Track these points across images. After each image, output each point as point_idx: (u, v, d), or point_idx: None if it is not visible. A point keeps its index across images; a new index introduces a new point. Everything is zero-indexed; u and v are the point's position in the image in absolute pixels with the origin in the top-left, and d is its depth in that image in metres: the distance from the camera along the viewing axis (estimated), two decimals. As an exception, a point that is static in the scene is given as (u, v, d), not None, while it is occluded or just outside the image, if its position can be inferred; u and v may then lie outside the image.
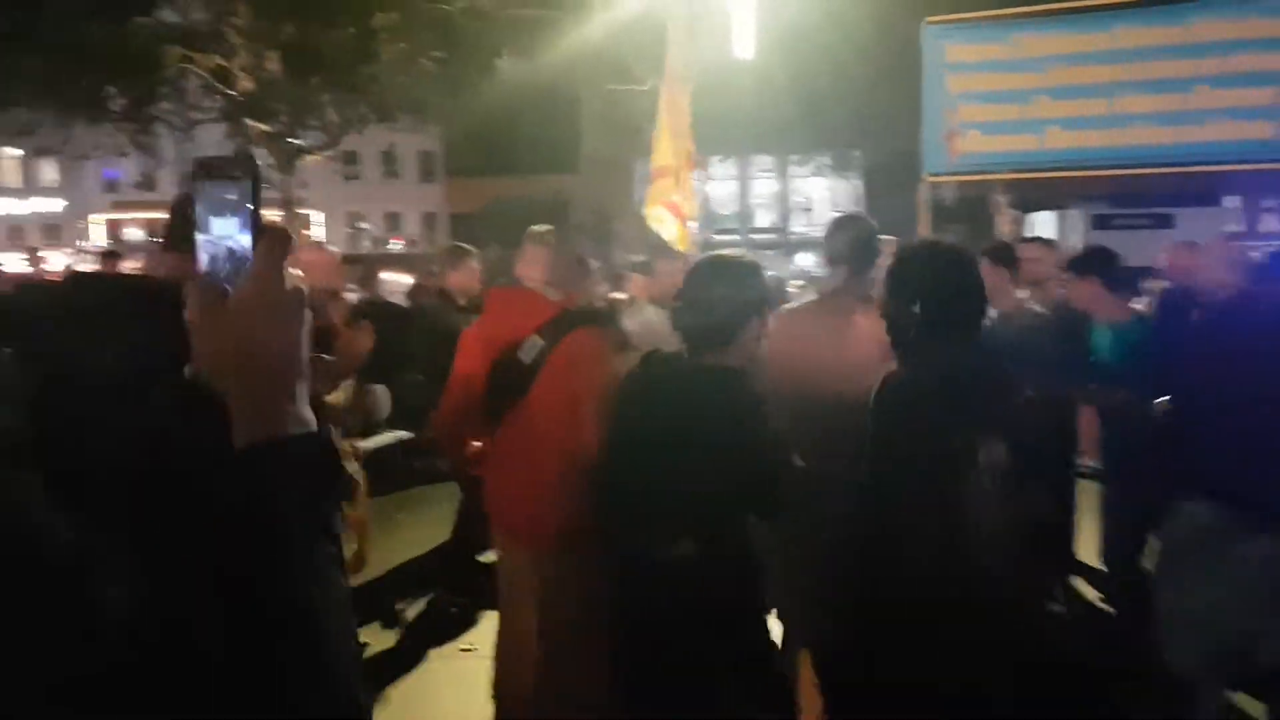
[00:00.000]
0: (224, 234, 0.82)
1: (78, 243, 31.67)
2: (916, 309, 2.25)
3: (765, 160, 40.24)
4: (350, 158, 35.18)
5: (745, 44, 15.63)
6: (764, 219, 41.59)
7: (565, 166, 33.34)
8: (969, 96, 8.47)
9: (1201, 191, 15.06)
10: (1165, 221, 14.44)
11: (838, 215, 3.69)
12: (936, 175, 8.94)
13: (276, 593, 0.79)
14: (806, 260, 35.93)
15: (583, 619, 2.76)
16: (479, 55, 18.51)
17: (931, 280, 2.28)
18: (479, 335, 3.25)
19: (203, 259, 0.82)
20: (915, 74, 8.82)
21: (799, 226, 41.40)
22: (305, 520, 0.81)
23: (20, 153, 36.32)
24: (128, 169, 22.87)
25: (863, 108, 21.22)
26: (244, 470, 0.80)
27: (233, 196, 0.82)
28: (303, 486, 0.80)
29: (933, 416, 2.19)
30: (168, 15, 17.93)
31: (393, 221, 41.51)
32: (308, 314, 0.84)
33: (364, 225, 41.28)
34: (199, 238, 0.82)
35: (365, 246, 39.34)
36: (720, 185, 40.97)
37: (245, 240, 0.82)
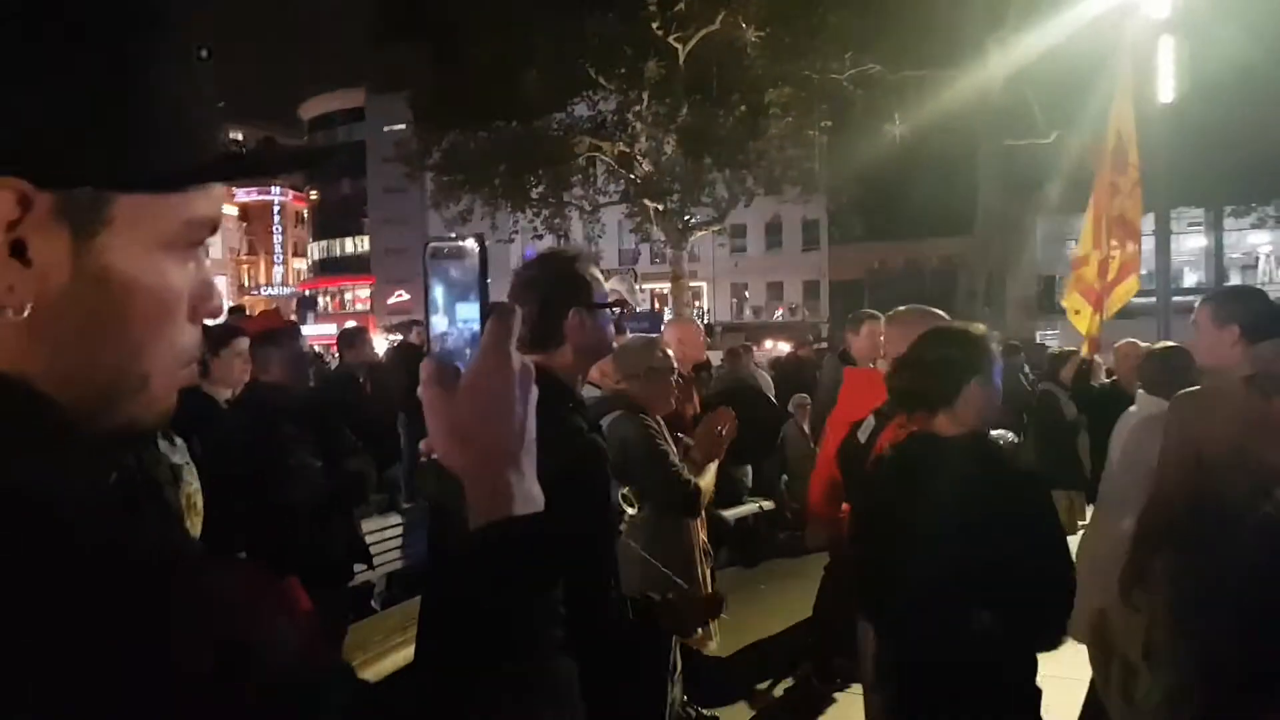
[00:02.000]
0: (455, 313, 0.84)
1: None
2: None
3: (1193, 213, 35.53)
4: (737, 230, 36.79)
5: (1166, 86, 13.98)
6: (1190, 278, 36.66)
7: (955, 229, 32.11)
8: None
9: None
10: None
11: None
12: None
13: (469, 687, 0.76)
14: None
15: None
16: (868, 122, 18.49)
17: None
18: (836, 415, 3.50)
19: (435, 338, 0.84)
20: None
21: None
22: (528, 608, 0.79)
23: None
24: (542, 250, 26.10)
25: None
26: (474, 555, 0.80)
27: (462, 275, 0.84)
28: (528, 570, 0.80)
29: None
30: (580, 110, 20.17)
31: (775, 291, 42.53)
32: (534, 390, 0.84)
33: (746, 295, 42.82)
34: (431, 317, 0.85)
35: (747, 316, 40.72)
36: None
37: (475, 318, 0.84)
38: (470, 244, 0.85)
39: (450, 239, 0.86)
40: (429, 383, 0.81)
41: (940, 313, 3.47)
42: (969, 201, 18.13)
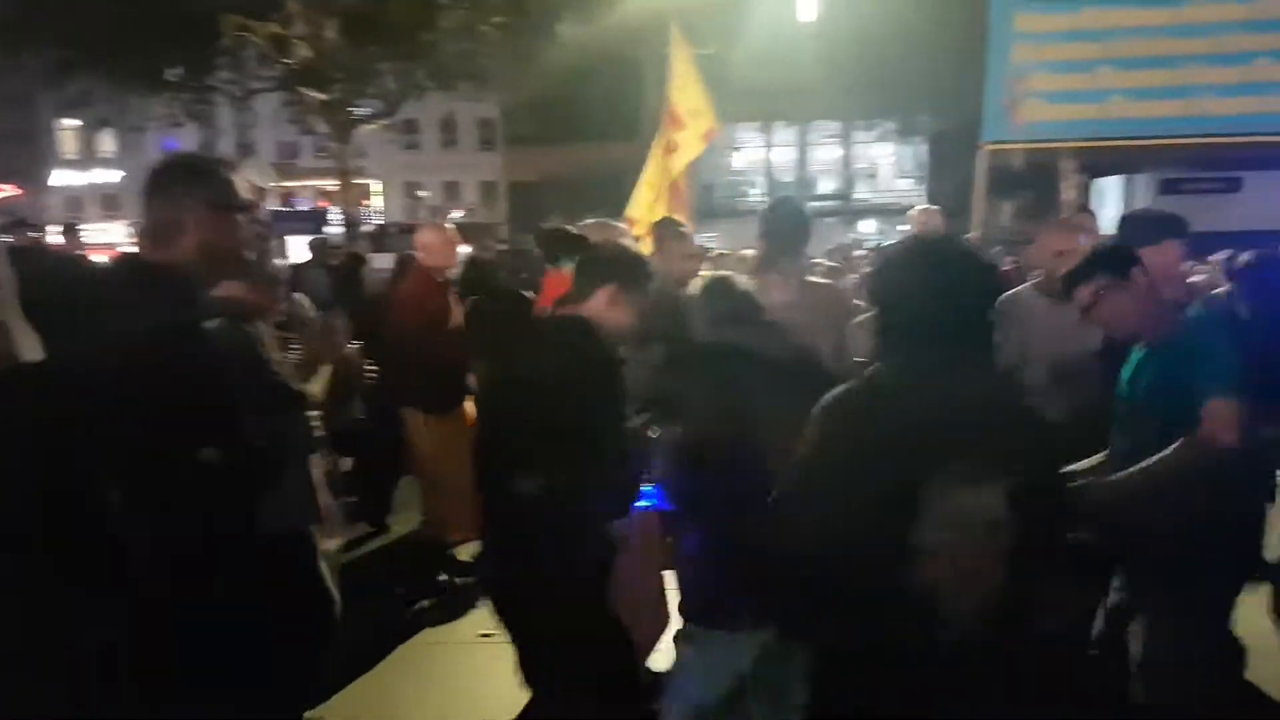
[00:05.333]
0: None
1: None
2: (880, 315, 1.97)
3: (829, 126, 39.42)
4: (409, 126, 35.38)
5: (808, 7, 15.27)
6: (826, 186, 40.88)
7: (627, 133, 33.15)
8: (1034, 66, 8.52)
9: (1273, 155, 14.64)
10: (1234, 185, 14.11)
11: None
12: (997, 143, 8.82)
13: None
14: (869, 227, 35.26)
15: None
16: (541, 20, 18.37)
17: (903, 285, 1.93)
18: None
19: None
20: (982, 40, 8.70)
21: (862, 193, 40.65)
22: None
23: (79, 123, 36.99)
24: (186, 140, 23.08)
25: (929, 72, 20.65)
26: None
27: None
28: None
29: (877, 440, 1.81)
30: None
31: (451, 190, 41.67)
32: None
33: (421, 194, 41.57)
34: None
35: (423, 216, 39.65)
36: (781, 151, 40.33)
37: None
38: None
39: None
40: None
41: (620, 224, 3.93)
42: (639, 106, 18.74)
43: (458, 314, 5.28)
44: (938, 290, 1.83)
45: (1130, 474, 2.52)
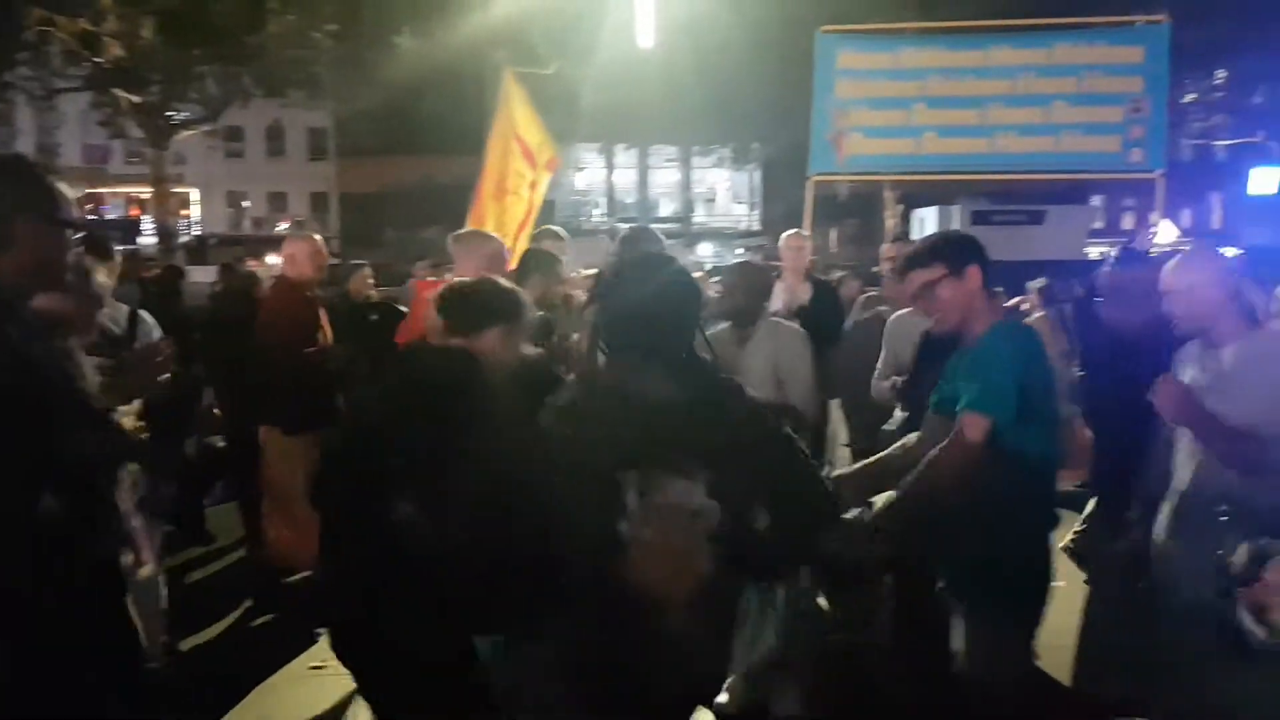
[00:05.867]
0: None
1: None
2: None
3: (669, 150, 40.31)
4: (233, 134, 33.70)
5: (646, 33, 15.58)
6: (667, 208, 41.72)
7: (467, 148, 32.71)
8: (856, 102, 8.89)
9: (1070, 190, 16.12)
10: (1037, 218, 15.36)
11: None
12: (822, 175, 9.21)
13: None
14: (707, 250, 36.22)
15: None
16: (377, 31, 17.97)
17: (614, 297, 2.08)
18: (410, 325, 3.63)
19: None
20: (810, 73, 9.05)
21: (700, 216, 41.70)
22: None
23: None
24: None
25: (762, 101, 21.47)
26: None
27: None
28: None
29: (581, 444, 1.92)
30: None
31: (277, 201, 39.82)
32: None
33: (245, 204, 39.58)
34: None
35: (247, 228, 37.71)
36: (623, 174, 40.92)
37: None
38: None
39: None
40: None
41: (495, 235, 3.86)
42: (481, 120, 18.58)
43: (327, 329, 5.07)
44: (644, 302, 2.01)
45: (911, 481, 2.57)
